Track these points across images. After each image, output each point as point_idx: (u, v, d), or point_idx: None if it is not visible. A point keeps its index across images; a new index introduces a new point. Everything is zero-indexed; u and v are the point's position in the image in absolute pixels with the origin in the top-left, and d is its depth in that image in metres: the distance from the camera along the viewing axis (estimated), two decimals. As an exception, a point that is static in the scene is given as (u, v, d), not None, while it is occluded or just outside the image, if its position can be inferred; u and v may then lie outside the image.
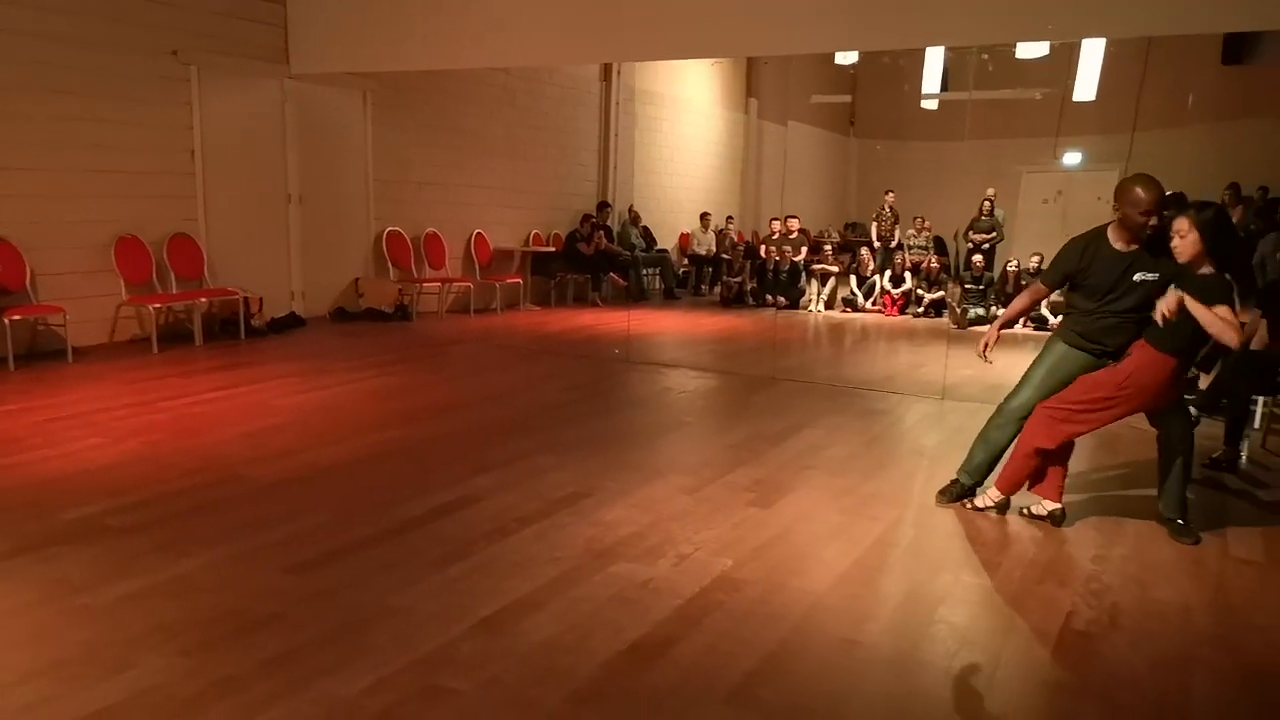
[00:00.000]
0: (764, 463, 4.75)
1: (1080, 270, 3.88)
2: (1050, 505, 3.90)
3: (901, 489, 4.38)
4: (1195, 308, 3.44)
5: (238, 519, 3.72)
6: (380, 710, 2.37)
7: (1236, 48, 14.93)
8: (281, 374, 6.61)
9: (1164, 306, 3.50)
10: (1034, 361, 4.12)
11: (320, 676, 2.52)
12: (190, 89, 7.78)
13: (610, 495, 4.11)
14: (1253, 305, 5.64)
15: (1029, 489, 3.96)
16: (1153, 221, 3.69)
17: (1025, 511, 3.96)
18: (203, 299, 7.71)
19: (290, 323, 8.57)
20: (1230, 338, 3.44)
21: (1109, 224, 3.86)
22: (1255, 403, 4.98)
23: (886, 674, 2.66)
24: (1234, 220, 10.18)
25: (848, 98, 15.76)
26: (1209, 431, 5.16)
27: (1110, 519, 4.01)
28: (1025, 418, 3.94)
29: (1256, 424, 5.31)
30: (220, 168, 8.12)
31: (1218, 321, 3.41)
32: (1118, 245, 3.81)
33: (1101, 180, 16.85)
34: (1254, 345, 4.89)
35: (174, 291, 7.64)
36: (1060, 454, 3.87)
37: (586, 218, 11.89)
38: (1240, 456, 4.79)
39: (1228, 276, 3.50)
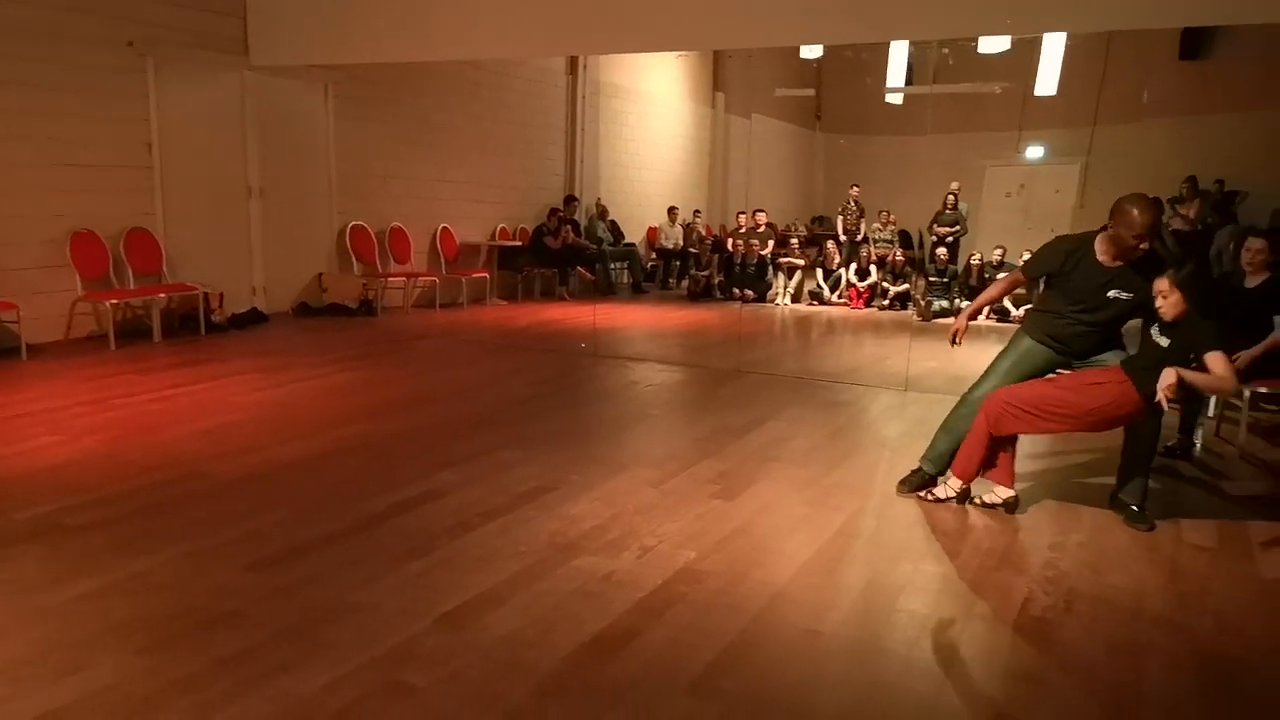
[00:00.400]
0: (728, 455, 4.77)
1: (1061, 273, 3.92)
2: (1004, 493, 3.95)
3: (864, 480, 4.42)
4: (1193, 378, 3.49)
5: (197, 516, 3.67)
6: (340, 707, 2.35)
7: (1193, 43, 15.19)
8: (243, 370, 6.53)
9: (1163, 390, 3.50)
10: (1000, 353, 4.17)
11: (279, 674, 2.50)
12: (147, 81, 7.65)
13: (575, 489, 4.11)
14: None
15: (982, 475, 4.01)
16: (1143, 246, 3.72)
17: (978, 500, 4.01)
18: (161, 295, 7.59)
19: (252, 318, 8.47)
20: (1228, 389, 3.53)
21: (1099, 233, 3.88)
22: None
23: (847, 663, 2.68)
24: (1191, 214, 10.41)
25: (811, 91, 15.85)
26: (1165, 419, 5.25)
27: (1067, 507, 4.07)
28: None
29: (1210, 413, 5.41)
30: (179, 161, 7.99)
31: (1215, 381, 3.50)
32: (1103, 258, 3.83)
33: (1063, 174, 17.13)
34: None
35: (132, 287, 7.52)
36: (1010, 440, 3.92)
37: (553, 211, 11.86)
38: (1195, 445, 4.89)
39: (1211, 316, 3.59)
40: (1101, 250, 3.84)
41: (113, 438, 4.72)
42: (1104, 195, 10.97)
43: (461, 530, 3.57)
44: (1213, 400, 5.29)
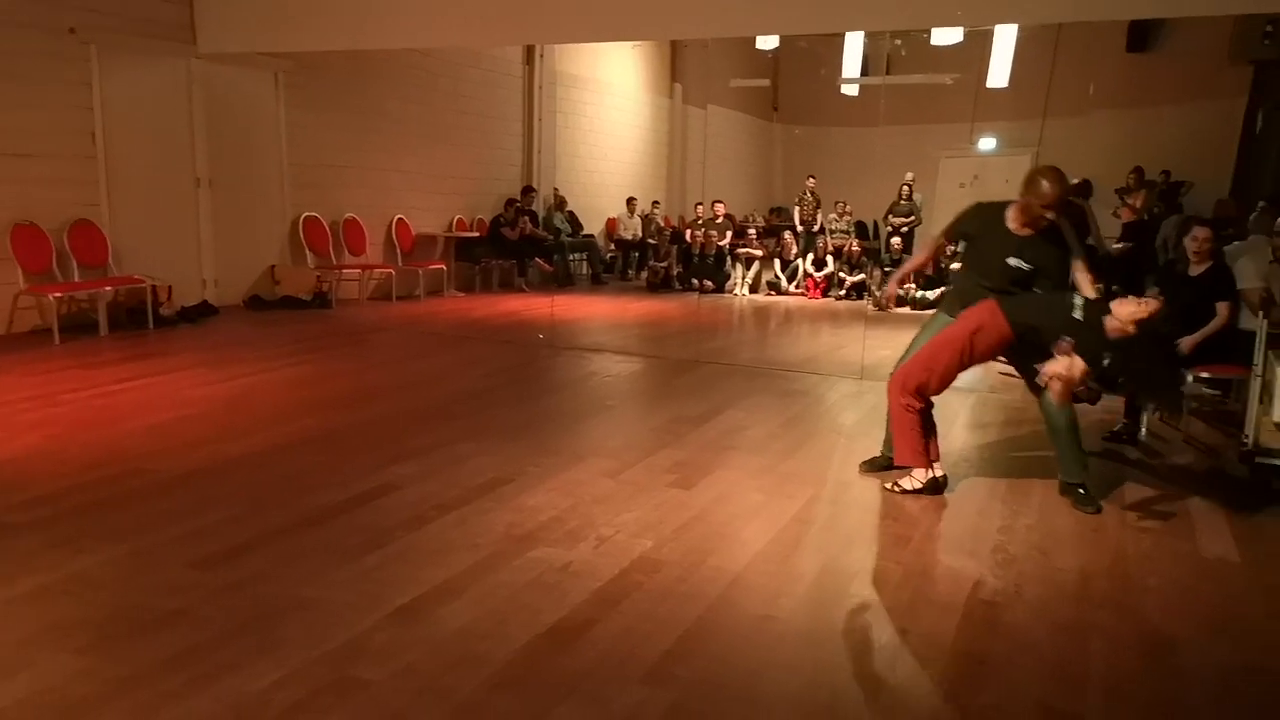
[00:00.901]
0: (686, 444, 4.78)
1: (973, 236, 4.02)
2: (922, 476, 3.98)
3: (819, 467, 4.45)
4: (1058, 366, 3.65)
5: (142, 513, 3.60)
6: (290, 704, 2.32)
7: (1140, 36, 15.49)
8: (192, 364, 6.40)
9: (1048, 375, 3.66)
10: (917, 334, 4.26)
11: (226, 673, 2.45)
12: (90, 68, 7.45)
13: (532, 480, 4.09)
14: (1152, 284, 5.89)
15: (897, 464, 4.08)
16: (1050, 216, 3.81)
17: (895, 487, 4.03)
18: (107, 288, 7.41)
19: (202, 311, 8.30)
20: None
21: (1013, 202, 3.98)
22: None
23: (800, 648, 2.70)
24: (1138, 204, 10.62)
25: (766, 82, 15.88)
26: (1110, 405, 5.36)
27: (1016, 491, 4.14)
28: None
29: (1155, 398, 5.52)
30: (124, 151, 7.80)
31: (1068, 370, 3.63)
32: (1012, 225, 3.93)
33: (1016, 164, 17.37)
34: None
35: (76, 280, 7.33)
36: (929, 421, 3.97)
37: (510, 202, 11.78)
38: (1139, 429, 4.99)
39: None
40: (1012, 217, 3.94)
41: (56, 434, 4.60)
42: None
43: (416, 524, 3.54)
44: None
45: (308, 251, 9.45)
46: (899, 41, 11.34)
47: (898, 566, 3.28)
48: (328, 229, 9.69)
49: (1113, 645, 2.78)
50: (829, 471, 4.38)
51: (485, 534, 3.45)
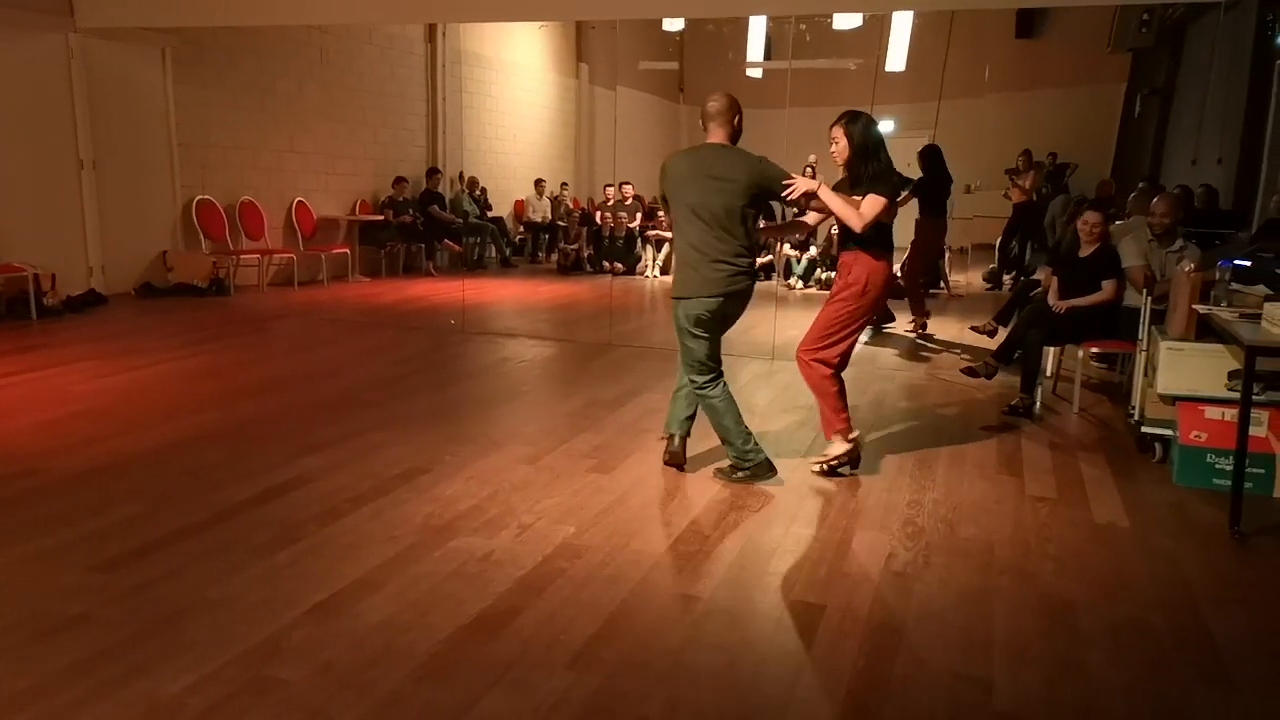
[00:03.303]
0: (603, 429, 4.79)
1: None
2: (839, 448, 4.08)
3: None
4: (828, 195, 3.83)
5: (35, 516, 3.42)
6: (205, 707, 2.25)
7: (1028, 22, 16.10)
8: (81, 356, 6.09)
9: (795, 191, 3.81)
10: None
11: (135, 677, 2.36)
12: (-44, 42, 6.97)
13: (449, 469, 4.04)
14: (1044, 263, 6.16)
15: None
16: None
17: (821, 465, 4.12)
18: (-16, 277, 6.99)
19: (89, 300, 7.90)
20: (854, 223, 3.82)
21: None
22: (1046, 354, 5.43)
23: (722, 626, 2.75)
24: (1027, 185, 11.08)
25: (675, 65, 15.92)
26: (1007, 380, 5.61)
27: (923, 465, 4.29)
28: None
29: (1049, 373, 5.79)
30: (-1, 131, 7.34)
31: (837, 202, 3.83)
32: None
33: (913, 146, 17.86)
34: (1050, 301, 5.33)
35: (-52, 269, 6.88)
36: (841, 393, 4.07)
37: (399, 180, 11.43)
38: (1035, 403, 5.23)
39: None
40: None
41: (-67, 435, 4.33)
42: (950, 167, 11.44)
43: (330, 517, 3.46)
44: (1050, 361, 5.66)
45: (202, 236, 9.06)
46: (804, 26, 11.51)
47: (815, 543, 3.36)
48: (223, 213, 9.31)
49: (1015, 610, 2.92)
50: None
51: (403, 526, 3.40)
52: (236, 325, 7.66)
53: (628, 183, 12.92)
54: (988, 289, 11.37)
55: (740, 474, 4.00)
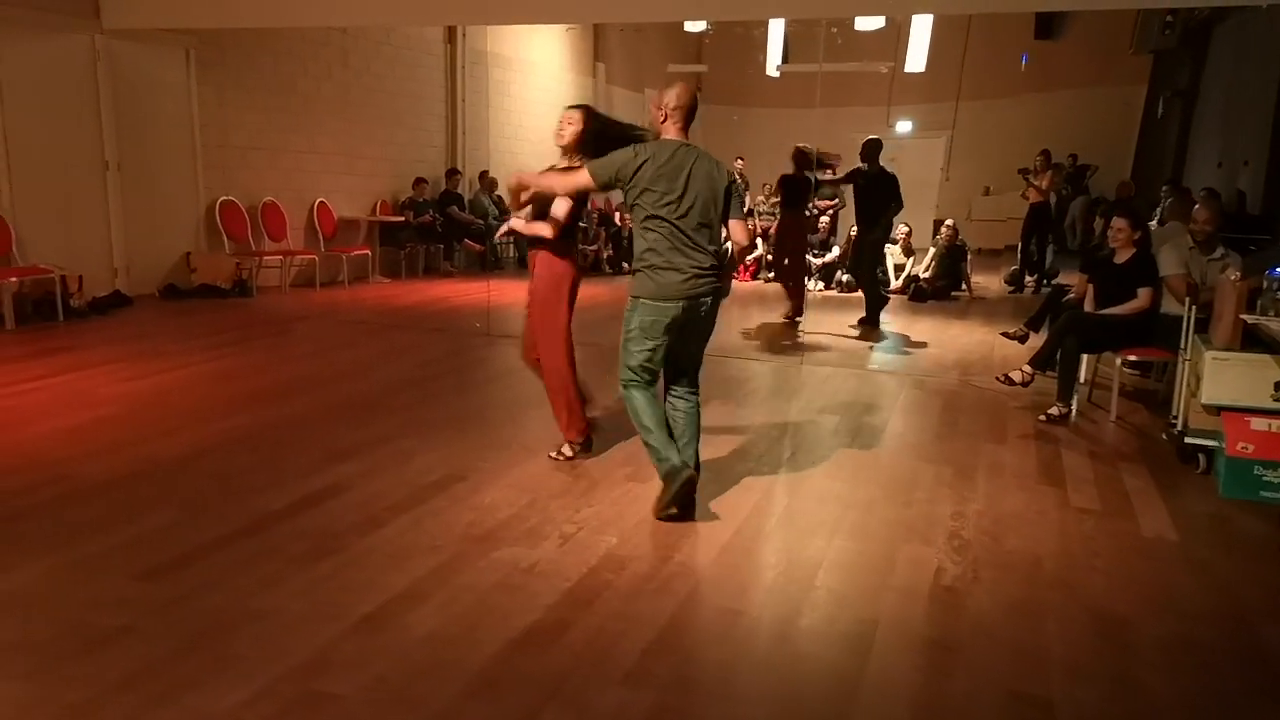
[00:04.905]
0: (635, 435, 4.74)
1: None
2: (573, 444, 4.22)
3: (770, 456, 4.48)
4: (532, 179, 3.89)
5: (70, 523, 3.41)
6: (257, 724, 2.22)
7: (1047, 24, 15.99)
8: (108, 359, 6.09)
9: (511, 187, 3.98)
10: None
11: (186, 692, 2.33)
12: (-15, 44, 6.98)
13: (485, 477, 4.01)
14: (1069, 266, 6.08)
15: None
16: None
17: (559, 455, 4.22)
18: (12, 279, 6.97)
19: (114, 302, 7.89)
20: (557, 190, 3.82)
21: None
22: (1082, 360, 5.35)
23: (771, 642, 2.72)
24: (1044, 185, 11.01)
25: (704, 68, 15.86)
26: (1040, 388, 5.54)
27: (962, 477, 4.23)
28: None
29: (1081, 379, 5.72)
30: (25, 133, 7.33)
31: (546, 180, 3.84)
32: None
33: (930, 147, 17.77)
34: (1086, 307, 5.27)
35: (-24, 270, 6.89)
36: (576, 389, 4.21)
37: (419, 181, 11.45)
38: (1071, 411, 5.16)
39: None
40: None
41: (-34, 438, 4.32)
42: (969, 168, 11.38)
43: (369, 526, 3.43)
44: (1084, 368, 5.58)
45: (225, 238, 9.06)
46: (835, 29, 11.45)
47: (860, 556, 3.32)
48: (245, 214, 9.30)
49: (1066, 625, 2.87)
50: (780, 459, 4.42)
51: (444, 535, 3.37)
52: (260, 327, 7.65)
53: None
54: (1009, 292, 11.27)
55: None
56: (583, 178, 3.58)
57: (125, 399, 5.15)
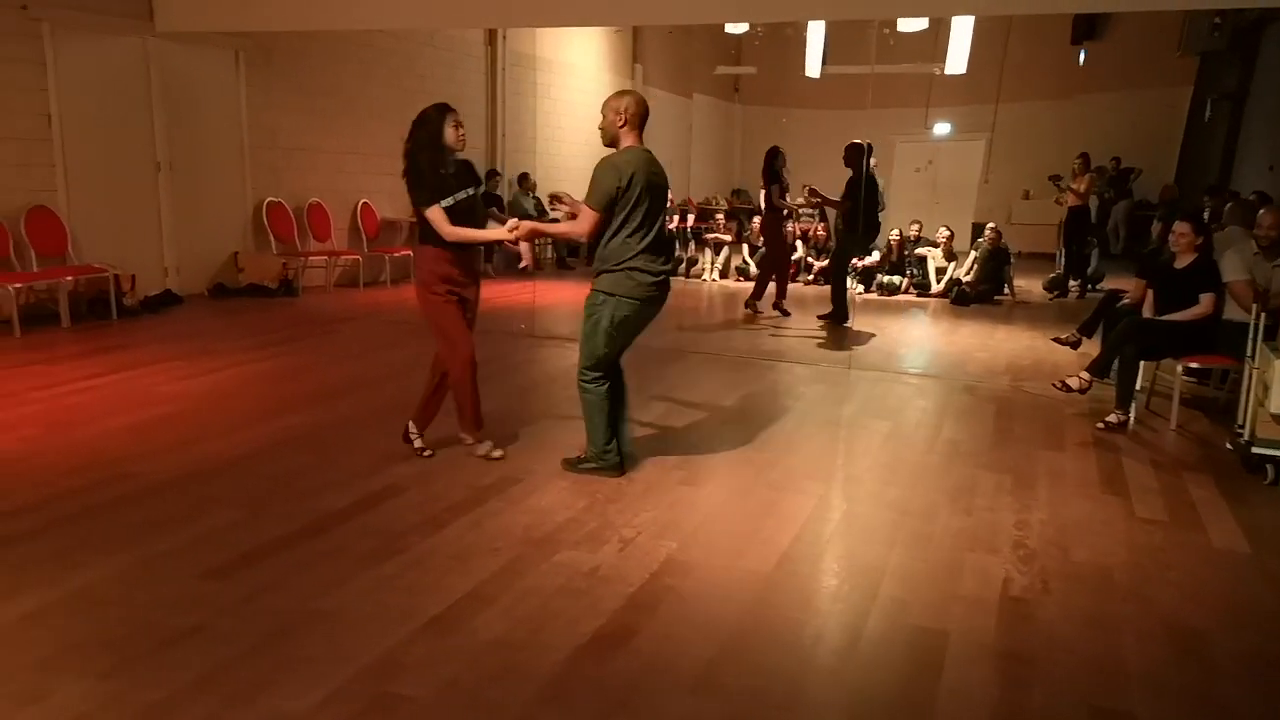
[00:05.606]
0: (686, 438, 4.74)
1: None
2: (474, 441, 4.29)
3: (824, 461, 4.44)
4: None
5: (136, 521, 3.45)
6: (334, 725, 2.23)
7: (1085, 28, 15.76)
8: (162, 357, 6.17)
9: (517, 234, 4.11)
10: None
11: (261, 692, 2.35)
12: (43, 47, 7.09)
13: (540, 479, 4.01)
14: (1129, 272, 5.98)
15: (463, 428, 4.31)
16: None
17: (487, 454, 4.25)
18: (68, 277, 7.09)
19: (165, 301, 8.00)
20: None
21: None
22: (1140, 367, 5.25)
23: (838, 652, 2.68)
24: (1081, 188, 10.85)
25: (753, 69, 15.81)
26: (1097, 395, 5.45)
27: (1022, 485, 4.16)
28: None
29: (1138, 386, 5.62)
30: (81, 133, 7.46)
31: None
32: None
33: (969, 150, 17.56)
34: (1145, 313, 5.18)
35: (35, 269, 6.99)
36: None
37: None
38: (1129, 419, 5.07)
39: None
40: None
41: (31, 436, 4.39)
42: (1008, 171, 11.25)
43: (430, 527, 3.44)
44: (1142, 376, 5.48)
45: (272, 238, 9.15)
46: (888, 30, 11.36)
47: (923, 564, 3.27)
48: (291, 214, 9.40)
49: (1142, 639, 2.81)
50: (835, 466, 4.38)
51: (504, 537, 3.37)
52: (307, 326, 7.72)
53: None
54: (1050, 298, 11.08)
55: (588, 466, 4.08)
56: (590, 217, 3.83)
57: (182, 397, 5.21)
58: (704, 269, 12.28)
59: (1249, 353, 4.34)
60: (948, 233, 11.19)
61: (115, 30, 7.66)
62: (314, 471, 4.06)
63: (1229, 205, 8.15)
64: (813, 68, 13.23)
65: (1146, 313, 5.15)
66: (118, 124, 7.80)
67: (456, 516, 3.55)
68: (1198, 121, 14.82)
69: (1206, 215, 8.52)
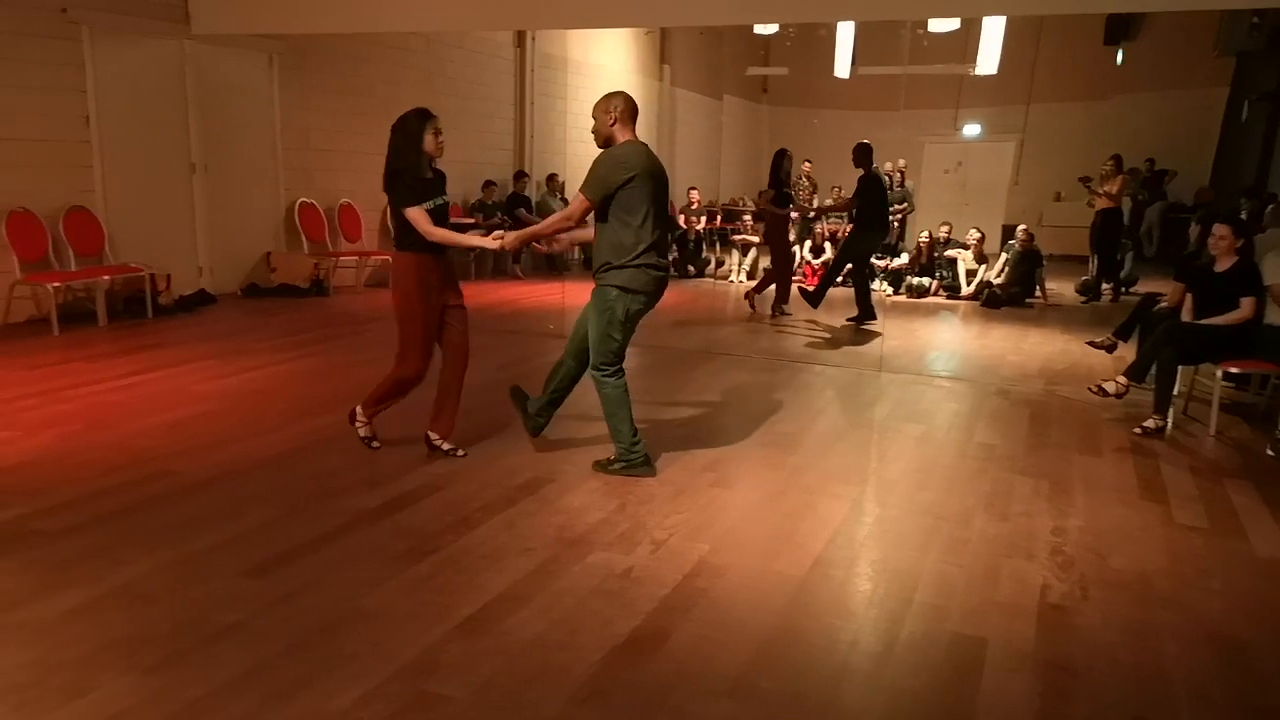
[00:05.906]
0: (717, 440, 4.72)
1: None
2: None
3: (856, 464, 4.42)
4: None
5: (176, 519, 3.49)
6: (373, 724, 2.24)
7: (1118, 30, 15.56)
8: (197, 356, 6.24)
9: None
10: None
11: (301, 690, 2.37)
12: (82, 49, 7.20)
13: (571, 480, 4.02)
14: (1167, 275, 5.89)
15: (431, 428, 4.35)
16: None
17: (443, 449, 4.30)
18: (105, 276, 7.20)
19: (199, 300, 8.10)
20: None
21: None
22: (1179, 372, 5.18)
23: (875, 658, 2.66)
24: (1113, 190, 10.71)
25: (784, 70, 15.77)
26: (1134, 400, 5.37)
27: (1059, 490, 4.11)
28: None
29: (1175, 391, 5.54)
30: (118, 135, 7.56)
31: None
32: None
33: (999, 151, 17.40)
34: (1184, 317, 5.10)
35: (73, 269, 7.11)
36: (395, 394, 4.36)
37: (488, 184, 11.61)
38: (1167, 424, 5.00)
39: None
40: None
41: (70, 433, 4.46)
42: (1039, 173, 11.17)
43: (463, 527, 3.46)
44: (1178, 381, 5.40)
45: (303, 238, 9.24)
46: (921, 31, 11.29)
47: (959, 570, 3.24)
48: (323, 215, 9.48)
49: (1185, 649, 2.77)
50: (868, 469, 4.35)
51: (536, 538, 3.38)
52: (338, 326, 7.78)
53: (693, 188, 12.97)
54: (1082, 301, 10.95)
55: (618, 465, 4.09)
56: (582, 204, 4.08)
57: (218, 396, 5.27)
58: (730, 270, 12.25)
59: (1292, 357, 4.27)
60: (979, 235, 11.09)
61: (152, 33, 7.76)
62: (348, 471, 4.10)
63: (1269, 207, 8.01)
64: (842, 69, 13.18)
65: (1185, 317, 5.07)
66: (154, 125, 7.91)
67: (489, 516, 3.56)
68: (1234, 122, 14.59)
69: (1244, 218, 8.38)
